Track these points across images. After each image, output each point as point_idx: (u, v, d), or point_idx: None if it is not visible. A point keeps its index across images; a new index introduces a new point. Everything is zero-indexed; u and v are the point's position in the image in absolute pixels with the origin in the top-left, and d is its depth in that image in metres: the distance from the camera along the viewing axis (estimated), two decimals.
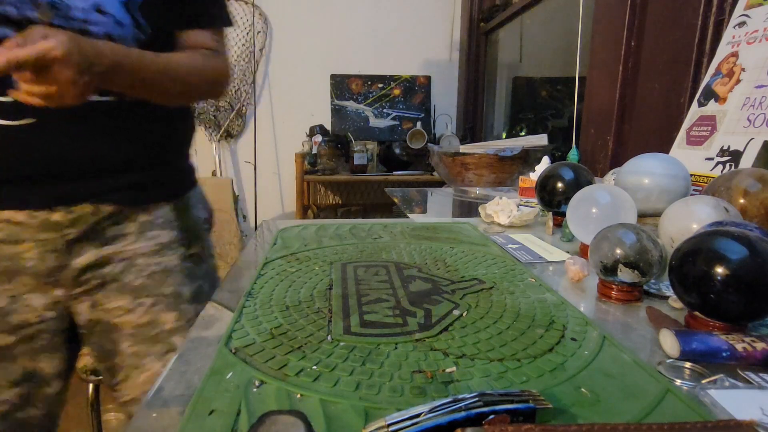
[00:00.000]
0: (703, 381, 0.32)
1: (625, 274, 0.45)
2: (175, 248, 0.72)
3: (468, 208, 1.16)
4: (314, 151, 2.41)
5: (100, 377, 1.14)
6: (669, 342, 0.35)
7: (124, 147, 0.65)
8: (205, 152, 2.72)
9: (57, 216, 0.62)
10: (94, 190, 0.64)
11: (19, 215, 0.61)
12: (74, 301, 0.68)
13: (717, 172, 0.79)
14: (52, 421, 0.71)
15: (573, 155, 1.26)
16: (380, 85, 2.63)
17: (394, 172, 2.42)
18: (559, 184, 0.75)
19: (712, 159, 0.81)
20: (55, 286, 0.66)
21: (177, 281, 0.72)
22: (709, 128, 0.84)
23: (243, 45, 2.60)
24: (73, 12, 0.57)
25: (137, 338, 0.70)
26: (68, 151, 0.62)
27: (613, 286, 0.46)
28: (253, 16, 2.57)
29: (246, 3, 2.57)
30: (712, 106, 0.85)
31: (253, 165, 2.62)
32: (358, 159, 2.36)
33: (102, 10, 0.59)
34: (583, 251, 0.62)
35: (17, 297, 0.64)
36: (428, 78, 2.67)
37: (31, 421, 0.67)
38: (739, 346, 0.33)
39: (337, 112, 2.62)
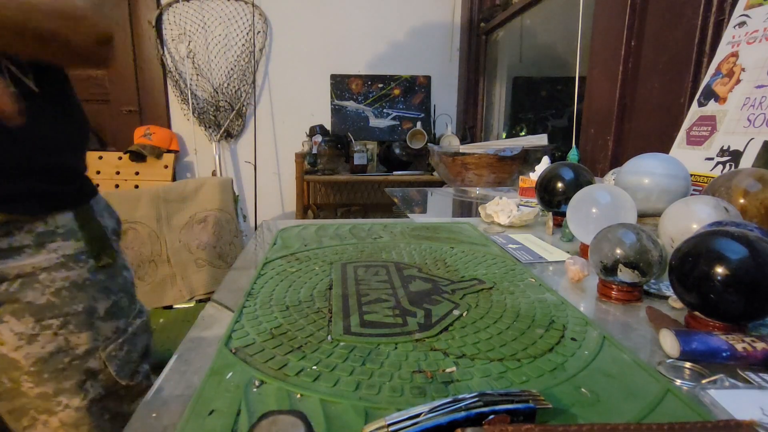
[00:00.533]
0: (703, 381, 0.32)
1: (625, 274, 0.45)
2: (83, 260, 0.64)
3: (468, 208, 1.16)
4: (314, 151, 2.41)
5: None
6: (669, 342, 0.35)
7: (11, 147, 0.57)
8: (205, 152, 2.72)
9: None
10: None
11: None
12: None
13: (717, 172, 0.79)
14: None
15: (573, 155, 1.26)
16: (380, 85, 2.63)
17: (394, 172, 2.42)
18: (559, 184, 0.75)
19: (712, 159, 0.81)
20: None
21: (89, 296, 0.64)
22: (709, 128, 0.84)
23: (243, 45, 2.60)
24: None
25: (42, 376, 0.61)
26: None
27: (613, 286, 0.46)
28: (253, 16, 2.57)
29: (246, 3, 2.57)
30: (712, 106, 0.85)
31: (253, 165, 2.62)
32: (358, 159, 2.36)
33: None
34: (583, 251, 0.62)
35: None
36: (428, 78, 2.67)
37: None
38: (739, 346, 0.33)
39: (337, 112, 2.62)
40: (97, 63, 0.63)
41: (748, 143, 0.75)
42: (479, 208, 0.85)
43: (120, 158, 2.52)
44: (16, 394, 0.61)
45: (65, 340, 0.62)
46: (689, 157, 0.85)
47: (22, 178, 0.58)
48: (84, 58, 0.61)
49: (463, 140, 2.47)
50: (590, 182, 0.73)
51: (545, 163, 1.04)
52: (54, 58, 0.60)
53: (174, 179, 2.58)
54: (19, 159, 0.58)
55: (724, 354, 0.33)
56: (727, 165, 0.77)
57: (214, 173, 2.68)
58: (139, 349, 0.70)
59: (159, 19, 2.56)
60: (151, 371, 0.71)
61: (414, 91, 2.66)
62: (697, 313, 0.39)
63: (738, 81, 0.81)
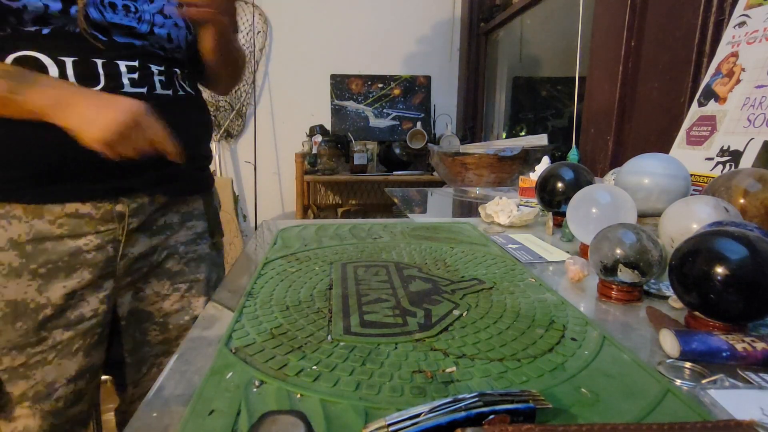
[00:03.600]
0: (703, 381, 0.32)
1: (625, 274, 0.45)
2: (206, 237, 0.79)
3: (468, 208, 1.16)
4: (314, 151, 2.41)
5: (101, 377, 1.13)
6: (669, 342, 0.35)
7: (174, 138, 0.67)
8: None
9: (120, 207, 0.66)
10: (151, 181, 0.69)
11: (84, 207, 0.64)
12: (120, 292, 0.70)
13: (717, 172, 0.79)
14: (90, 415, 0.73)
15: (573, 155, 1.26)
16: (380, 85, 2.63)
17: (394, 172, 2.42)
18: (559, 184, 0.75)
19: (712, 159, 0.81)
20: (108, 278, 0.68)
21: (207, 268, 0.78)
22: (709, 128, 0.84)
23: (243, 45, 2.60)
24: (143, 15, 0.66)
25: (167, 327, 0.74)
26: None
27: (613, 286, 0.46)
28: (253, 16, 2.57)
29: (246, 3, 2.57)
30: (712, 106, 0.85)
31: (253, 165, 2.62)
32: (358, 159, 2.36)
33: (164, 14, 0.68)
34: (583, 251, 0.62)
35: (75, 292, 0.65)
36: (428, 78, 2.67)
37: (80, 416, 0.69)
38: (739, 346, 0.33)
39: (337, 112, 2.62)
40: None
41: (748, 143, 0.75)
42: (479, 208, 0.85)
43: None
44: (144, 343, 0.74)
45: (188, 301, 0.76)
46: (689, 157, 0.85)
47: (174, 165, 0.67)
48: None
49: (463, 140, 2.47)
50: (590, 182, 0.73)
51: (545, 163, 1.04)
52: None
53: None
54: (182, 148, 0.67)
55: (724, 354, 0.33)
56: (727, 165, 0.77)
57: (214, 173, 2.68)
58: None
59: None
60: None
61: (414, 91, 2.65)
62: (697, 313, 0.39)
63: (738, 81, 0.81)
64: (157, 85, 0.67)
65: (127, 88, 0.64)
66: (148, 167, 0.66)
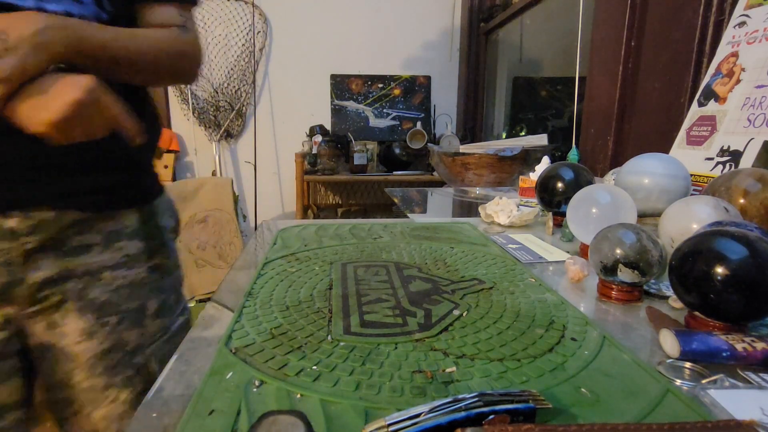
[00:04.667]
0: (703, 381, 0.32)
1: (625, 274, 0.45)
2: (141, 259, 0.66)
3: (468, 208, 1.16)
4: (314, 151, 2.41)
5: None
6: (669, 342, 0.35)
7: (89, 143, 0.55)
8: (205, 152, 2.72)
9: (12, 222, 0.54)
10: (55, 192, 0.57)
11: None
12: (28, 321, 0.59)
13: (717, 172, 0.79)
14: None
15: (573, 155, 1.26)
16: (380, 85, 2.63)
17: (394, 172, 2.42)
18: (559, 184, 0.75)
19: (712, 159, 0.81)
20: (6, 304, 0.57)
21: (143, 295, 0.66)
22: (709, 128, 0.84)
23: (243, 45, 2.60)
24: None
25: (95, 371, 0.62)
26: (23, 147, 0.53)
27: (613, 286, 0.46)
28: (253, 16, 2.57)
29: (246, 3, 2.57)
30: (712, 106, 0.85)
31: (253, 165, 2.62)
32: (358, 159, 2.36)
33: None
34: (583, 251, 0.62)
35: None
36: (428, 78, 2.67)
37: None
38: (739, 346, 0.33)
39: (337, 112, 2.62)
40: (190, 82, 0.71)
41: (748, 143, 0.75)
42: (479, 208, 0.85)
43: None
44: (66, 385, 0.62)
45: (119, 336, 0.63)
46: (689, 157, 0.85)
47: (95, 174, 0.59)
48: (183, 80, 0.69)
49: (463, 140, 2.47)
50: (590, 182, 0.73)
51: (545, 163, 1.04)
52: (163, 82, 0.69)
53: (174, 179, 2.58)
54: (94, 153, 0.59)
55: (724, 354, 0.33)
56: (727, 165, 0.77)
57: (214, 173, 2.68)
58: (176, 347, 0.73)
59: None
60: None
61: (414, 91, 2.65)
62: (697, 313, 0.39)
63: (738, 81, 0.81)
64: None
65: None
66: (54, 173, 0.56)
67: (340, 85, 2.62)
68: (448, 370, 0.33)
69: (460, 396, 0.26)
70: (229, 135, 2.70)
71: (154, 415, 0.29)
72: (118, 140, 0.57)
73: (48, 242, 0.57)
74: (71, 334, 0.60)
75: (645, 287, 0.48)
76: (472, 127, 2.68)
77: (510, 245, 0.66)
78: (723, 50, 0.86)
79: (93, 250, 0.61)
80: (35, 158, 0.55)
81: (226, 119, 2.65)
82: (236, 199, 2.02)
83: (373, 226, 0.76)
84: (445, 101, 2.78)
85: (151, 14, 0.64)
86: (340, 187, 2.76)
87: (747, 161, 0.74)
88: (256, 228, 1.90)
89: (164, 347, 0.67)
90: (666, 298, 0.47)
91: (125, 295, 0.64)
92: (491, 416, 0.25)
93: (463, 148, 1.63)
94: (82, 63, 0.51)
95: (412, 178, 2.36)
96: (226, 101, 2.64)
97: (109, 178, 0.60)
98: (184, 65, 0.65)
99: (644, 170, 0.72)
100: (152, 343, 0.66)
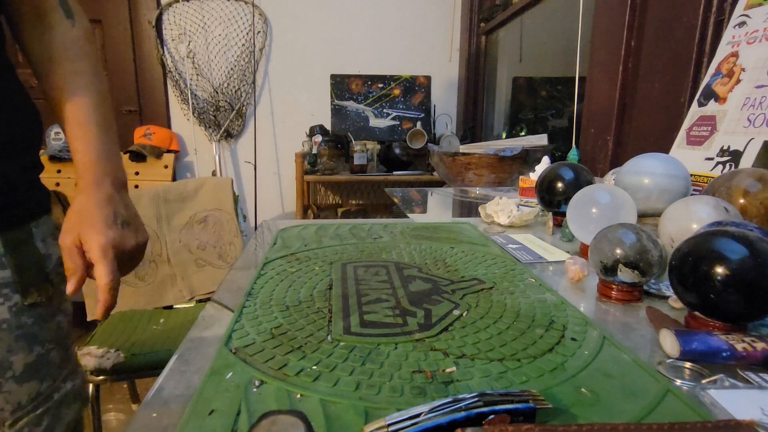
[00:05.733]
0: (703, 381, 0.32)
1: (625, 274, 0.45)
2: (5, 294, 0.50)
3: (468, 208, 1.16)
4: (314, 151, 2.41)
5: (101, 377, 1.14)
6: (669, 342, 0.35)
7: None
8: (205, 152, 2.72)
9: None
10: None
11: None
12: None
13: (717, 172, 0.79)
14: None
15: (573, 155, 1.26)
16: (380, 85, 2.63)
17: (394, 172, 2.41)
18: (559, 184, 0.75)
19: (712, 159, 0.81)
20: None
21: (4, 344, 0.49)
22: (709, 128, 0.84)
23: (243, 45, 2.60)
24: None
25: None
26: None
27: (613, 286, 0.46)
28: (253, 16, 2.57)
29: (246, 3, 2.57)
30: (712, 106, 0.85)
31: (253, 165, 2.62)
32: (358, 159, 2.36)
33: None
34: (583, 251, 0.62)
35: None
36: (428, 78, 2.67)
37: None
38: (739, 346, 0.33)
39: (337, 112, 2.62)
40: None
41: (748, 143, 0.75)
42: (479, 208, 0.85)
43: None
44: None
45: None
46: (689, 157, 0.85)
47: None
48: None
49: (463, 140, 2.47)
50: (590, 182, 0.73)
51: (545, 163, 1.04)
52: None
53: (174, 179, 2.58)
54: None
55: (724, 354, 0.33)
56: (727, 165, 0.77)
57: (214, 173, 2.68)
58: (63, 423, 0.54)
59: (159, 19, 2.56)
60: None
61: (414, 91, 2.65)
62: (697, 313, 0.39)
63: (738, 81, 0.81)
64: None
65: None
66: None
67: (340, 85, 2.62)
68: (448, 370, 0.33)
69: (460, 396, 0.26)
70: (229, 135, 2.70)
71: (154, 415, 0.29)
72: None
73: None
74: None
75: (645, 287, 0.48)
76: (472, 127, 2.68)
77: (510, 245, 0.66)
78: (723, 50, 0.86)
79: None
80: None
81: (226, 119, 2.65)
82: (236, 199, 2.01)
83: (373, 226, 0.76)
84: (445, 101, 2.78)
85: None
86: (340, 187, 2.76)
87: (747, 161, 0.74)
88: (256, 228, 1.90)
89: (39, 424, 0.51)
90: (666, 298, 0.47)
91: None
92: (491, 416, 0.25)
93: (463, 148, 1.63)
94: None
95: (412, 178, 2.36)
96: (226, 101, 2.64)
97: None
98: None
99: (644, 170, 0.72)
100: (18, 419, 0.49)
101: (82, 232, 0.48)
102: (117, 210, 0.50)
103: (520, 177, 1.09)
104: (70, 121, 0.52)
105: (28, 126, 0.54)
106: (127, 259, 0.51)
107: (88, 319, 1.35)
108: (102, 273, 0.46)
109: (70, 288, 0.47)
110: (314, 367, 0.33)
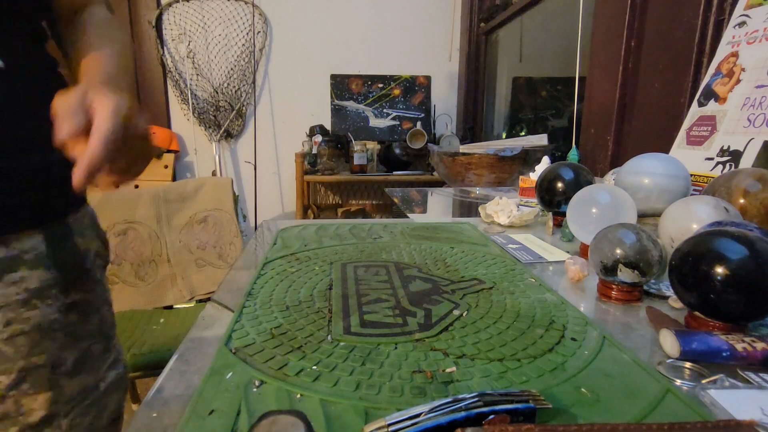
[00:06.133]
0: (703, 381, 0.32)
1: (625, 274, 0.45)
2: (50, 295, 0.49)
3: (468, 208, 1.16)
4: (314, 151, 2.41)
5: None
6: (669, 342, 0.35)
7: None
8: (205, 152, 2.72)
9: None
10: None
11: None
12: None
13: (717, 172, 0.79)
14: None
15: (573, 155, 1.26)
16: (380, 85, 2.63)
17: (394, 172, 2.42)
18: (559, 184, 0.75)
19: (712, 159, 0.81)
20: None
21: (55, 345, 0.49)
22: (709, 128, 0.84)
23: (243, 45, 2.60)
24: None
25: None
26: None
27: (613, 286, 0.46)
28: (253, 16, 2.57)
29: (246, 3, 2.57)
30: (712, 106, 0.85)
31: (253, 165, 2.62)
32: (358, 159, 2.36)
33: None
34: (583, 251, 0.62)
35: None
36: (428, 78, 2.67)
37: None
38: (739, 346, 0.33)
39: (337, 112, 2.62)
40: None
41: (748, 143, 0.75)
42: (479, 208, 0.85)
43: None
44: None
45: (15, 403, 0.47)
46: (689, 157, 0.85)
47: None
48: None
49: (463, 140, 2.47)
50: (590, 182, 0.73)
51: (545, 163, 1.04)
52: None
53: (174, 179, 2.58)
54: None
55: (724, 354, 0.33)
56: (727, 165, 0.77)
57: (214, 173, 2.68)
58: (108, 412, 0.55)
59: (159, 19, 2.56)
60: None
61: (414, 91, 2.65)
62: (697, 313, 0.39)
63: (738, 81, 0.81)
64: None
65: None
66: None
67: (340, 85, 2.62)
68: (448, 370, 0.33)
69: (460, 396, 0.26)
70: (229, 135, 2.70)
71: (154, 415, 0.29)
72: (8, 142, 0.45)
73: None
74: None
75: (645, 287, 0.48)
76: (472, 127, 2.68)
77: (510, 245, 0.66)
78: (723, 50, 0.86)
79: None
80: None
81: (226, 119, 2.65)
82: (236, 199, 2.01)
83: (373, 226, 0.76)
84: (445, 101, 2.78)
85: None
86: (340, 187, 2.76)
87: (747, 161, 0.74)
88: (256, 228, 1.90)
89: (88, 414, 0.52)
90: (666, 298, 0.47)
91: (27, 346, 0.47)
92: (491, 416, 0.25)
93: (463, 148, 1.63)
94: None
95: (412, 178, 2.36)
96: (226, 101, 2.64)
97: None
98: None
99: (644, 170, 0.72)
100: (69, 411, 0.50)
101: (91, 90, 0.39)
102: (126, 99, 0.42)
103: (520, 177, 1.09)
104: (87, 59, 0.48)
105: None
106: (136, 144, 0.42)
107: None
108: (106, 125, 0.37)
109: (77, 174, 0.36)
110: (314, 367, 0.33)
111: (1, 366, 0.46)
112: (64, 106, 0.37)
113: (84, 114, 0.37)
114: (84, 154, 0.36)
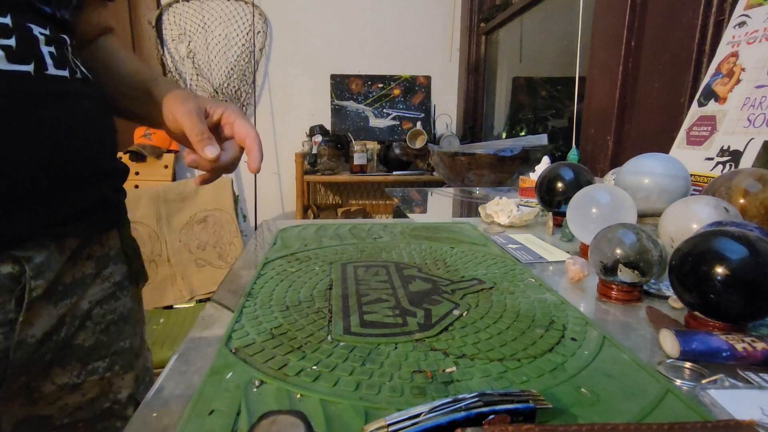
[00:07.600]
0: (703, 381, 0.32)
1: (625, 274, 0.45)
2: (127, 287, 0.55)
3: (468, 208, 1.16)
4: (314, 151, 2.41)
5: None
6: (669, 342, 0.35)
7: (78, 147, 0.44)
8: None
9: (11, 267, 0.40)
10: (58, 217, 0.43)
11: None
12: (6, 402, 0.45)
13: (717, 172, 0.78)
14: None
15: (573, 155, 1.26)
16: (380, 85, 2.63)
17: (394, 172, 2.42)
18: (559, 184, 0.75)
19: (712, 159, 0.81)
20: None
21: (133, 329, 0.55)
22: (709, 128, 0.84)
23: (243, 45, 2.60)
24: None
25: (75, 427, 0.50)
26: (11, 151, 0.38)
27: (613, 286, 0.46)
28: (253, 16, 2.57)
29: (246, 3, 2.57)
30: (712, 106, 0.85)
31: None
32: (358, 159, 2.36)
33: None
34: (583, 251, 0.62)
35: None
36: (428, 78, 2.67)
37: None
38: (739, 346, 0.33)
39: (337, 112, 2.62)
40: None
41: (748, 143, 0.75)
42: (479, 208, 0.85)
43: (120, 158, 2.52)
44: None
45: (108, 383, 0.52)
46: (689, 157, 0.85)
47: (90, 186, 0.46)
48: None
49: (463, 140, 2.47)
50: (590, 182, 0.73)
51: (545, 163, 1.04)
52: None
53: (174, 179, 2.58)
54: (88, 160, 0.46)
55: (724, 354, 0.33)
56: (727, 165, 0.77)
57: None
58: (145, 392, 0.61)
59: (159, 19, 2.56)
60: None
61: (414, 91, 2.66)
62: (697, 313, 0.39)
63: (738, 81, 0.81)
64: (48, 59, 0.41)
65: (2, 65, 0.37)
66: (43, 193, 0.41)
67: (340, 85, 2.62)
68: (448, 370, 0.33)
69: (460, 396, 0.26)
70: None
71: (154, 415, 0.29)
72: (103, 145, 0.49)
73: (50, 284, 0.44)
74: (49, 394, 0.48)
75: (645, 287, 0.48)
76: (472, 127, 2.68)
77: (510, 245, 0.66)
78: (723, 50, 0.86)
79: (85, 283, 0.49)
80: (20, 168, 0.40)
81: None
82: (236, 199, 2.01)
83: (373, 226, 0.76)
84: (445, 101, 2.78)
85: (86, 17, 0.54)
86: (340, 187, 2.76)
87: (747, 161, 0.74)
88: (256, 228, 1.90)
89: (139, 393, 0.56)
90: (666, 298, 0.47)
91: (116, 333, 0.53)
92: (491, 416, 0.25)
93: (463, 148, 1.63)
94: None
95: (412, 178, 2.36)
96: (226, 101, 2.64)
97: (100, 191, 0.49)
98: None
99: (644, 170, 0.72)
100: (139, 388, 0.56)
101: (201, 102, 0.51)
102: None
103: (520, 177, 1.09)
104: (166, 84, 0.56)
105: (114, 121, 0.55)
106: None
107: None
108: (248, 126, 0.51)
109: (213, 153, 0.48)
110: (314, 367, 0.33)
111: (99, 353, 0.51)
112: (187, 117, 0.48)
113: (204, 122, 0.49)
114: (253, 147, 0.50)
